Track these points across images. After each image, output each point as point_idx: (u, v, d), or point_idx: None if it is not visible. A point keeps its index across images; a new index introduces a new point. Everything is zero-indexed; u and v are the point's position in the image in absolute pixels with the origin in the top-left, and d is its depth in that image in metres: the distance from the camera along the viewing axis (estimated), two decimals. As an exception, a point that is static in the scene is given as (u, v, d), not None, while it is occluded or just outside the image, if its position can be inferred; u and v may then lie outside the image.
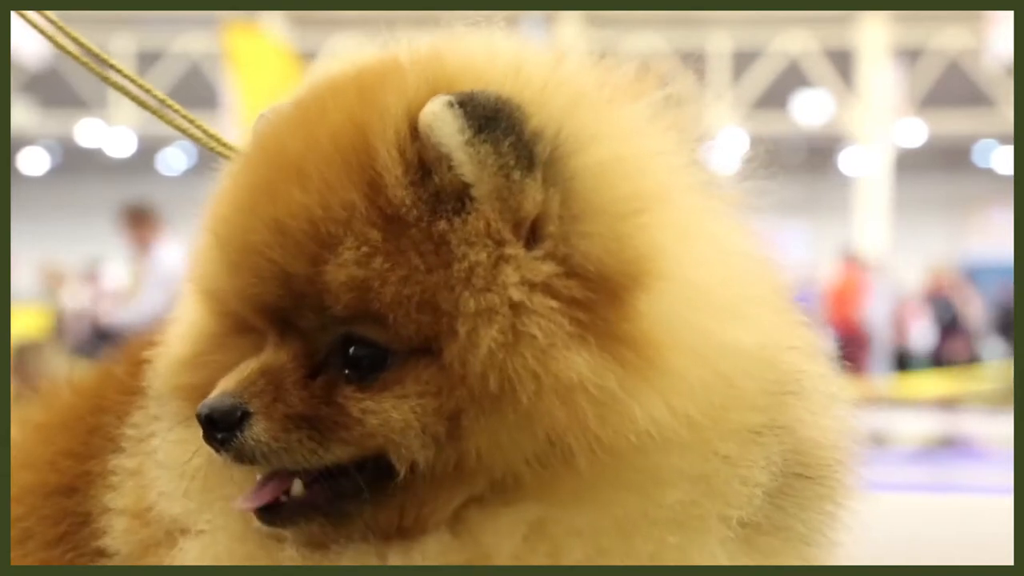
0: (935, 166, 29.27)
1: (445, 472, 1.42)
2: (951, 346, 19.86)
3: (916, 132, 26.80)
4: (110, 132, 27.21)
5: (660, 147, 1.49)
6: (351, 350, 1.44)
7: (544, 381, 1.37)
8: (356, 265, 1.40)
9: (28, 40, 14.45)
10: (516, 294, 1.38)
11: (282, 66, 13.52)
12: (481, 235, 1.40)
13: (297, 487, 1.45)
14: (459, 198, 1.41)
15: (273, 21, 23.02)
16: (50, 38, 1.94)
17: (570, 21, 22.86)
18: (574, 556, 1.44)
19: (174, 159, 30.27)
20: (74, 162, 30.68)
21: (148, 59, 24.88)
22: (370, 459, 1.44)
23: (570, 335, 1.38)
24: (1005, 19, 19.28)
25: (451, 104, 1.39)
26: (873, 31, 24.90)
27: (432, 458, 1.41)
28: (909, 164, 26.54)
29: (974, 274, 23.17)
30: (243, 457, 1.43)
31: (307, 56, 19.61)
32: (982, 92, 25.03)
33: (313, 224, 1.42)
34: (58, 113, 26.63)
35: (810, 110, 25.86)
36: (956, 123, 26.30)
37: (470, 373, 1.38)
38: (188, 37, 25.02)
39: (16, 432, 1.78)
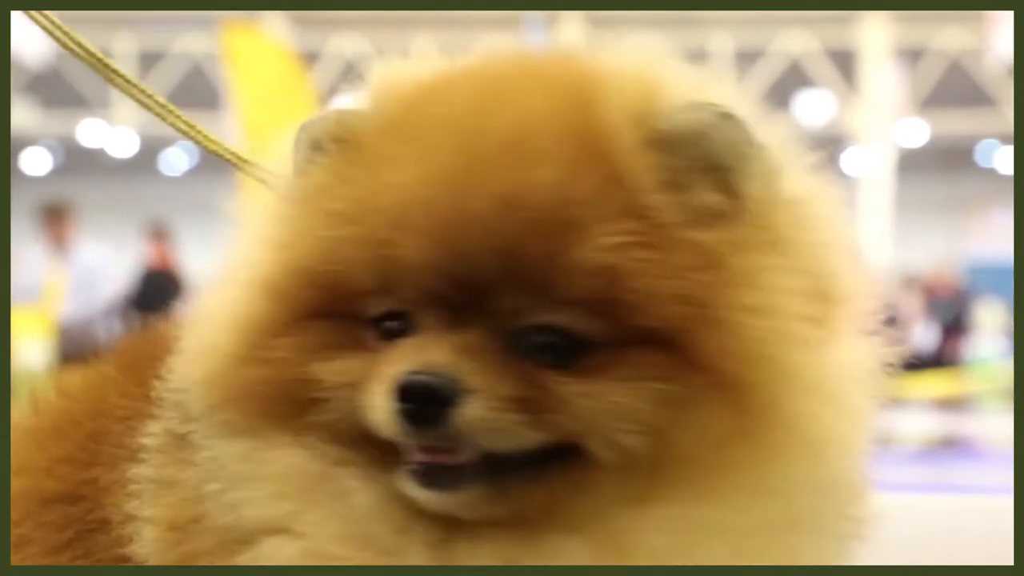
0: (937, 166, 29.29)
1: (631, 463, 1.43)
2: (953, 346, 19.87)
3: (918, 132, 26.82)
4: (112, 132, 27.26)
5: (823, 180, 1.57)
6: (540, 335, 1.44)
7: (794, 377, 1.43)
8: (612, 252, 1.40)
9: (30, 40, 14.46)
10: (786, 299, 1.43)
11: (282, 66, 13.53)
12: (751, 244, 1.44)
13: (464, 455, 1.44)
14: (720, 209, 1.45)
15: (273, 21, 23.03)
16: (56, 38, 1.94)
17: (571, 21, 22.89)
18: (714, 554, 1.46)
19: (176, 159, 30.30)
20: (76, 162, 30.72)
21: (150, 59, 24.92)
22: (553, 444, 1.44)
23: (817, 342, 1.45)
24: (1007, 19, 19.28)
25: (728, 116, 1.44)
26: (875, 31, 24.92)
27: (636, 447, 1.42)
28: (911, 164, 26.57)
29: (976, 274, 23.17)
30: (451, 437, 1.40)
31: (307, 56, 19.67)
32: (984, 92, 25.05)
33: (556, 203, 1.41)
34: (60, 113, 26.68)
35: (811, 110, 25.88)
36: (958, 123, 26.33)
37: (728, 361, 1.41)
38: (189, 37, 25.05)
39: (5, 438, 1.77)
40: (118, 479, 1.59)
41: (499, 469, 1.44)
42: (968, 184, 29.71)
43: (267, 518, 1.47)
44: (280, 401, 1.51)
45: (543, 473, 1.44)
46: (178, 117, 1.98)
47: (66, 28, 1.97)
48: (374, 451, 1.48)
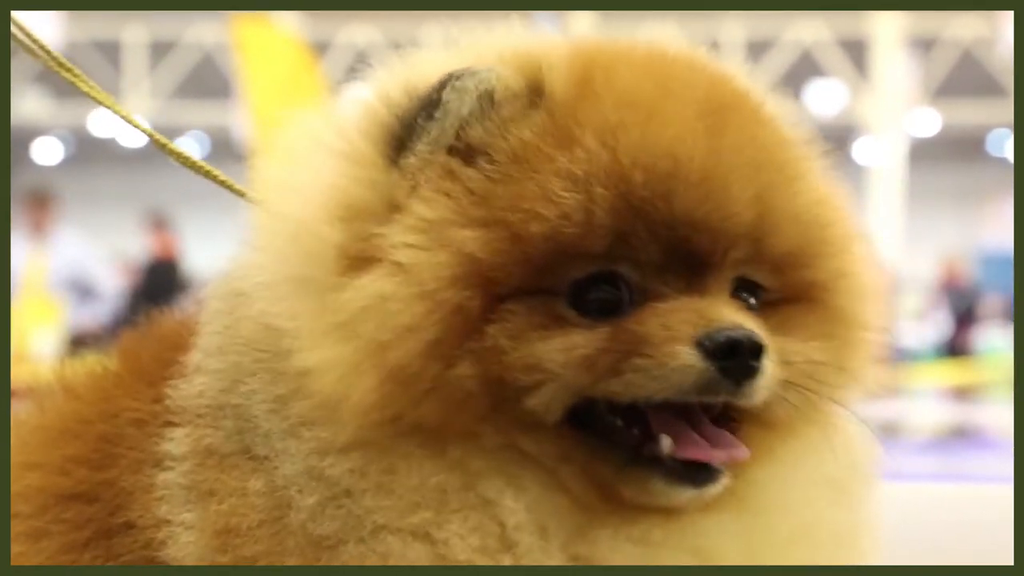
0: (949, 156, 29.23)
1: (784, 419, 1.52)
2: (965, 336, 19.85)
3: (930, 122, 26.77)
4: (124, 122, 27.25)
5: None
6: (739, 292, 1.51)
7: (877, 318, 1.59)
8: (817, 205, 1.53)
9: (42, 30, 14.48)
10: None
11: (293, 56, 13.52)
12: (836, 193, 1.60)
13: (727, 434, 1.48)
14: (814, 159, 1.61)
15: (284, 12, 23.01)
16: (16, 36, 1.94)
17: (582, 11, 22.83)
18: (821, 502, 1.55)
19: (187, 149, 30.23)
20: (88, 152, 30.75)
21: (161, 50, 24.92)
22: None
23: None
24: (1019, 8, 19.20)
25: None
26: (886, 21, 24.85)
27: (809, 405, 1.51)
28: (923, 154, 26.51)
29: (988, 264, 23.13)
30: (753, 392, 1.43)
31: (318, 47, 19.64)
32: (996, 82, 24.98)
33: (784, 159, 1.53)
34: (71, 103, 26.65)
35: (823, 100, 25.83)
36: (970, 113, 26.27)
37: (854, 309, 1.55)
38: (200, 27, 25.05)
39: (13, 432, 1.76)
40: (142, 483, 1.57)
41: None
42: (980, 174, 29.62)
43: (397, 527, 1.45)
44: (482, 396, 1.44)
45: None
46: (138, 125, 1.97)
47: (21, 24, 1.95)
48: (558, 444, 1.47)
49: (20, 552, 1.64)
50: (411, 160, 1.47)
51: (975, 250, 25.79)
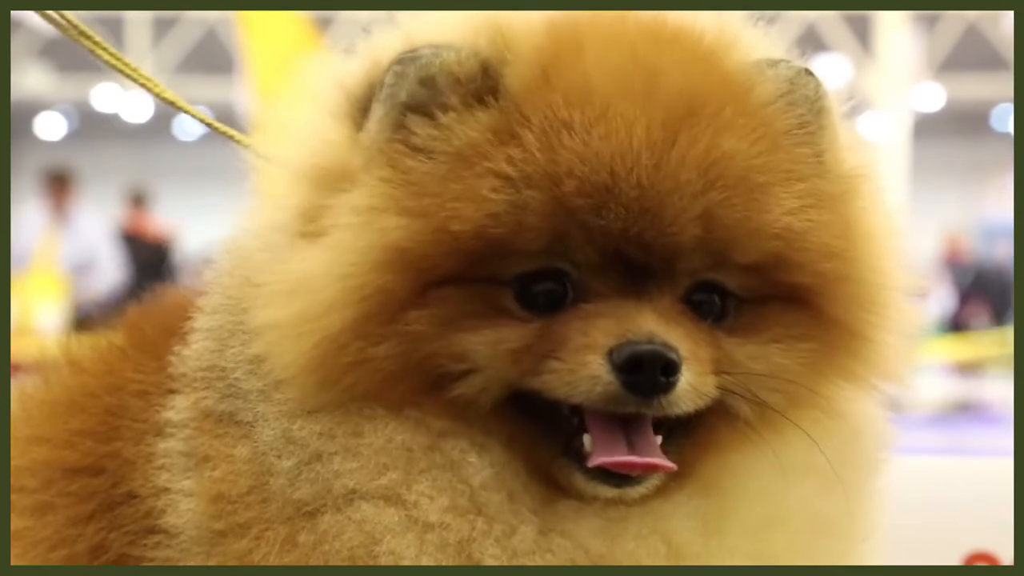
0: (953, 131, 29.14)
1: (756, 417, 1.50)
2: (969, 311, 19.82)
3: (934, 97, 26.67)
4: (127, 97, 27.20)
5: None
6: (698, 295, 1.49)
7: (890, 320, 1.55)
8: (791, 214, 1.47)
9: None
10: (889, 246, 1.57)
11: (296, 31, 13.48)
12: (843, 194, 1.54)
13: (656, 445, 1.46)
14: (821, 160, 1.55)
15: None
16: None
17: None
18: (804, 490, 1.54)
19: (191, 124, 30.23)
20: (91, 127, 30.68)
21: (164, 25, 24.84)
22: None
23: (899, 286, 1.58)
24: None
25: (809, 73, 1.58)
26: (891, -5, 24.73)
27: (777, 403, 1.50)
28: (927, 129, 26.41)
29: (992, 238, 23.08)
30: (670, 404, 1.42)
31: (321, 22, 19.57)
32: (1000, 56, 24.87)
33: (747, 169, 1.46)
34: (75, 78, 26.59)
35: (827, 75, 25.72)
36: (974, 88, 26.16)
37: (852, 317, 1.52)
38: (203, 2, 24.96)
39: (18, 407, 1.76)
40: (144, 453, 1.58)
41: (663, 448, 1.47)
42: (984, 149, 29.53)
43: (367, 489, 1.46)
44: (407, 377, 1.47)
45: (677, 444, 1.49)
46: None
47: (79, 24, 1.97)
48: (494, 424, 1.48)
49: (26, 527, 1.64)
50: (364, 138, 1.50)
51: (979, 225, 25.72)
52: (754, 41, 1.60)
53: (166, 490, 1.54)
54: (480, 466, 1.47)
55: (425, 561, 1.44)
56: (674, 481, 1.49)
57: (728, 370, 1.47)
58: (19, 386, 1.79)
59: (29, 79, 25.65)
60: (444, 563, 1.44)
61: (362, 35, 1.61)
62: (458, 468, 1.47)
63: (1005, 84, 25.03)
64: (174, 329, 1.64)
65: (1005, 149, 28.10)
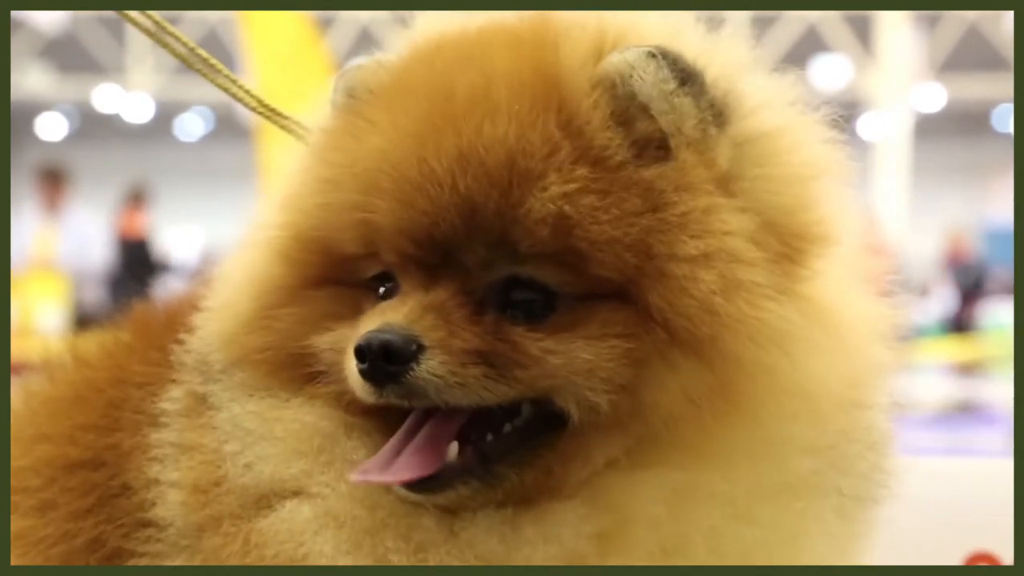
0: (954, 131, 29.16)
1: (606, 422, 1.43)
2: (970, 311, 19.82)
3: (935, 97, 26.69)
4: (127, 97, 27.22)
5: (810, 119, 1.55)
6: (512, 292, 1.45)
7: (750, 328, 1.40)
8: (564, 200, 1.41)
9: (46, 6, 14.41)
10: (732, 242, 1.41)
11: (298, 32, 13.48)
12: (691, 183, 1.43)
13: (452, 452, 1.44)
14: (659, 147, 1.44)
15: (290, -14, 22.94)
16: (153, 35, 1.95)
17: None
18: (712, 519, 1.46)
19: (191, 124, 30.27)
20: (92, 127, 30.70)
21: (165, 24, 24.79)
22: (526, 410, 1.46)
23: (774, 287, 1.42)
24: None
25: (653, 55, 1.44)
26: (892, -5, 24.74)
27: (605, 405, 1.41)
28: (928, 129, 26.44)
29: (993, 239, 23.09)
30: (411, 394, 1.41)
31: (323, 22, 19.61)
32: (1001, 57, 24.88)
33: (510, 156, 1.42)
34: (76, 78, 26.62)
35: (828, 75, 25.75)
36: (975, 88, 26.17)
37: (678, 317, 1.40)
38: (205, 2, 24.98)
39: (21, 405, 1.77)
40: (139, 444, 1.60)
41: (488, 459, 1.45)
42: (985, 149, 29.55)
43: (282, 477, 1.49)
44: (285, 367, 1.53)
45: (536, 451, 1.45)
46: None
47: (160, 20, 2.00)
48: (377, 421, 1.50)
49: (28, 526, 1.65)
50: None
51: (980, 225, 25.73)
52: (662, 34, 1.52)
53: (156, 481, 1.56)
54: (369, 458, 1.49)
55: (343, 560, 1.45)
56: (552, 494, 1.46)
57: (521, 364, 1.42)
58: (23, 385, 1.80)
59: (30, 79, 25.65)
60: (360, 560, 1.45)
61: (364, 42, 1.66)
62: (352, 459, 1.49)
63: (1006, 84, 25.03)
64: (179, 323, 1.66)
65: (1006, 149, 28.12)
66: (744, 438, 1.46)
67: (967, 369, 16.60)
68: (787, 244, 1.45)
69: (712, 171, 1.44)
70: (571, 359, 1.41)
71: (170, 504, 1.55)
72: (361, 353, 1.41)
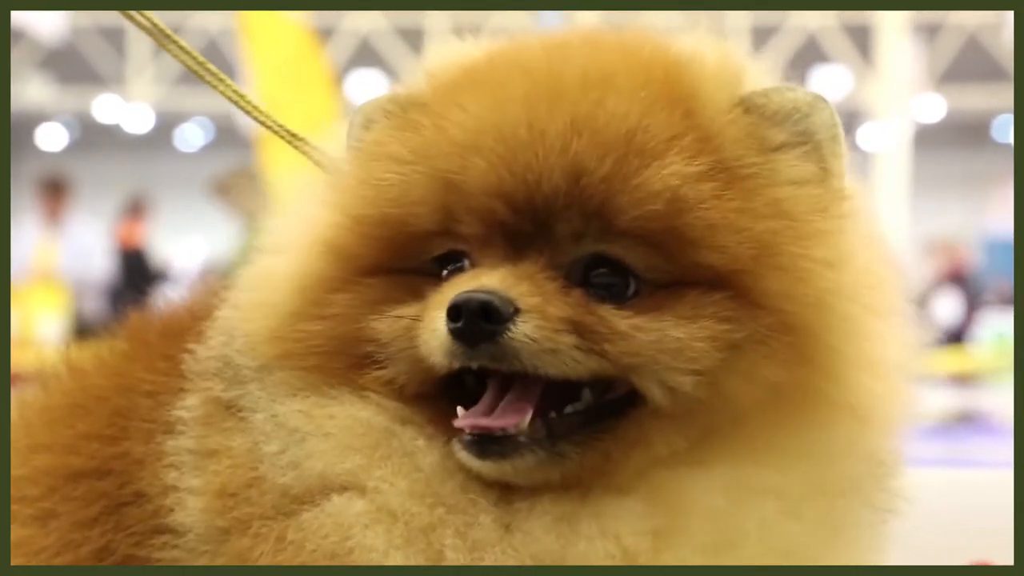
0: (954, 142, 29.15)
1: (678, 411, 1.46)
2: (971, 322, 19.82)
3: (935, 108, 26.68)
4: (128, 108, 27.21)
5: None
6: (593, 274, 1.48)
7: (859, 339, 1.48)
8: (683, 180, 1.44)
9: (46, 16, 14.44)
10: (858, 262, 1.50)
11: (298, 42, 13.50)
12: (833, 208, 1.50)
13: (525, 420, 1.45)
14: (811, 173, 1.52)
15: (290, -3, 22.94)
16: (156, 38, 1.96)
17: (587, -4, 22.79)
18: (764, 512, 1.49)
19: (192, 135, 30.28)
20: (92, 138, 30.68)
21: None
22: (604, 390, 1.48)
23: (874, 306, 1.51)
24: (1025, -6, 19.13)
25: (822, 99, 1.53)
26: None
27: (689, 387, 1.44)
28: (928, 140, 26.43)
29: (993, 250, 23.08)
30: (504, 355, 1.42)
31: (323, 32, 19.62)
32: (1001, 67, 24.89)
33: (630, 131, 1.45)
34: (75, 89, 26.60)
35: (828, 86, 25.77)
36: (975, 99, 26.19)
37: (794, 304, 1.45)
38: (205, 13, 24.99)
39: (16, 415, 1.77)
40: (153, 452, 1.60)
41: (553, 433, 1.46)
42: (985, 160, 29.52)
43: (334, 473, 1.49)
44: (336, 356, 1.53)
45: (597, 434, 1.47)
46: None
47: (168, 31, 2.02)
48: (431, 412, 1.51)
49: (29, 535, 1.65)
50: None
51: (980, 236, 25.71)
52: (757, 69, 1.63)
53: (174, 488, 1.56)
54: (430, 456, 1.50)
55: (394, 555, 1.45)
56: (610, 483, 1.48)
57: (608, 339, 1.44)
58: (17, 395, 1.80)
59: (30, 90, 25.64)
60: (412, 556, 1.45)
61: (364, 52, 1.70)
62: (411, 453, 1.50)
63: (1006, 95, 25.03)
64: (179, 332, 1.66)
65: (1006, 160, 28.13)
66: (808, 439, 1.51)
67: (966, 380, 16.57)
68: (881, 286, 1.55)
69: (849, 204, 1.54)
70: (662, 336, 1.43)
71: (190, 510, 1.55)
72: (456, 312, 1.41)
